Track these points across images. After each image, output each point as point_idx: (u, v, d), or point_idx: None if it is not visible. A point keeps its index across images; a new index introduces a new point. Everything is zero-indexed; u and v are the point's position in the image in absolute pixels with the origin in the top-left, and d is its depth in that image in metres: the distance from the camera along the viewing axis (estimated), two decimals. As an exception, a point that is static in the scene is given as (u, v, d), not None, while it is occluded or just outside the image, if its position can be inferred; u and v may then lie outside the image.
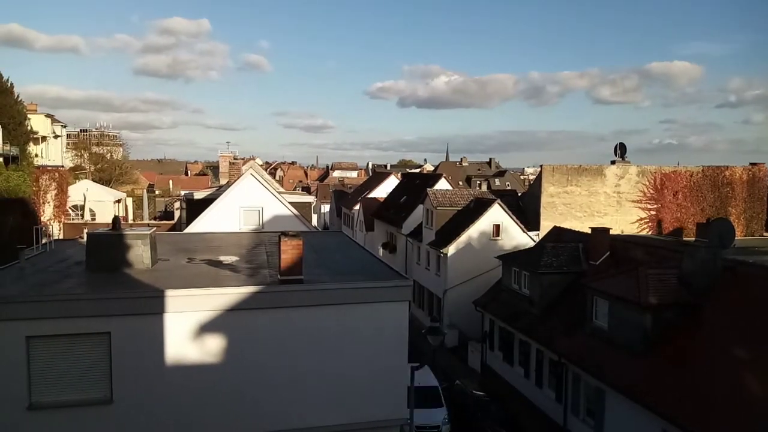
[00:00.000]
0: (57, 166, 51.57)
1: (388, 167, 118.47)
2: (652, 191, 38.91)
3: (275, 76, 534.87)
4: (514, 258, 26.78)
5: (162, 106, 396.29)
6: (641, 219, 38.84)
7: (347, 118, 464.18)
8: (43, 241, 18.48)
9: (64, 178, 44.53)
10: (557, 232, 28.94)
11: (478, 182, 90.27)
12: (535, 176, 55.92)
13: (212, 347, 12.92)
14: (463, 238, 32.98)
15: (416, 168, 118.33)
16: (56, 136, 63.70)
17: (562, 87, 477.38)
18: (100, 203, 47.67)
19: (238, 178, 32.47)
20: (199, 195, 35.02)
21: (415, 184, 47.41)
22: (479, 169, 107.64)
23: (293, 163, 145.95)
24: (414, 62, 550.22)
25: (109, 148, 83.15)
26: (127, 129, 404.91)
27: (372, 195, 54.66)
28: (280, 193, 32.52)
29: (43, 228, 20.99)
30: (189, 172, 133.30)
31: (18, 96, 49.09)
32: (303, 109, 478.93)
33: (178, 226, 37.06)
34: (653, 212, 39.00)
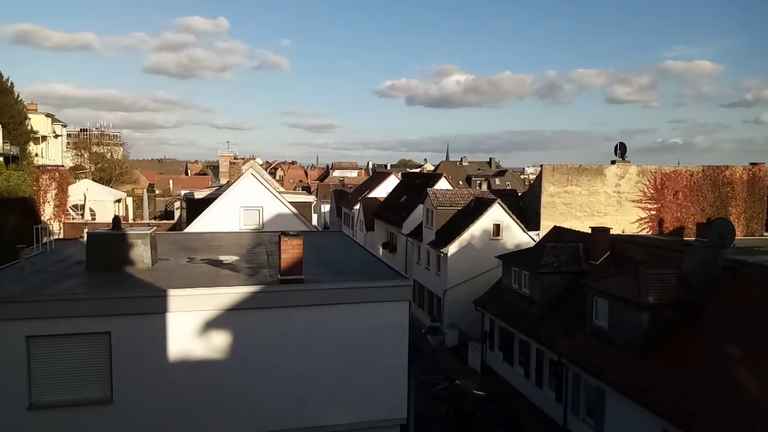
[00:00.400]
0: (57, 166, 51.54)
1: (389, 167, 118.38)
2: (652, 191, 38.91)
3: (286, 75, 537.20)
4: (514, 258, 26.78)
5: (172, 106, 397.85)
6: (641, 219, 38.84)
7: (352, 117, 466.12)
8: (45, 240, 18.50)
9: (65, 177, 44.49)
10: (557, 232, 28.94)
11: (479, 182, 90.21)
12: (535, 176, 55.90)
13: (212, 347, 12.92)
14: (463, 237, 32.98)
15: (416, 168, 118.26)
16: (56, 136, 63.77)
17: (575, 86, 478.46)
18: (100, 203, 47.61)
19: (239, 177, 32.48)
20: (199, 195, 35.03)
21: (416, 184, 47.42)
22: (479, 169, 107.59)
23: (293, 162, 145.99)
24: (427, 61, 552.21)
25: (109, 147, 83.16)
26: (132, 128, 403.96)
27: (372, 195, 54.68)
28: (280, 192, 32.53)
29: (45, 227, 20.98)
30: (189, 171, 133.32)
31: (18, 95, 49.17)
32: (310, 108, 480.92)
33: (179, 226, 37.05)
34: (653, 212, 39.00)
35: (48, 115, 60.32)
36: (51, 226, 34.60)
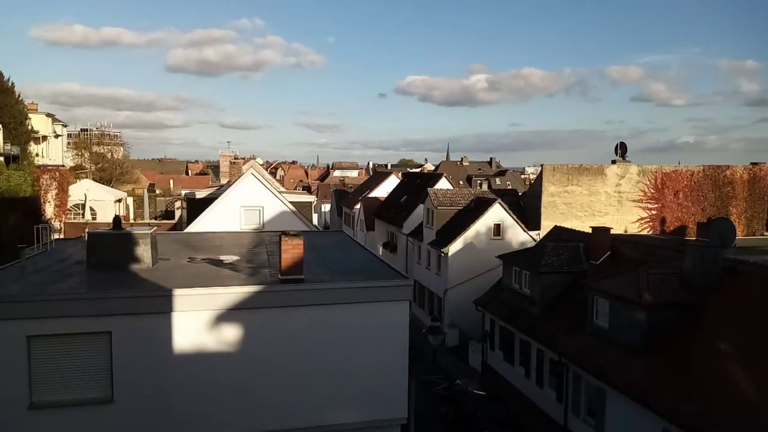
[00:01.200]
0: (58, 166, 51.60)
1: (389, 167, 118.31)
2: (652, 191, 38.89)
3: (309, 74, 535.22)
4: (514, 257, 26.77)
5: (190, 105, 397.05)
6: (642, 219, 38.82)
7: (364, 116, 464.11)
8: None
9: (65, 177, 44.55)
10: (558, 232, 28.93)
11: (479, 182, 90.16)
12: (535, 176, 55.88)
13: (212, 346, 12.92)
14: (463, 237, 32.98)
15: (417, 167, 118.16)
16: (57, 136, 63.85)
17: (606, 82, 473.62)
18: (100, 202, 47.63)
19: (239, 177, 32.49)
20: (200, 194, 35.04)
21: (416, 184, 47.41)
22: (480, 169, 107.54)
23: (294, 162, 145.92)
24: (450, 59, 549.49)
25: (109, 147, 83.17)
26: (143, 128, 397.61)
27: (373, 194, 54.65)
28: (280, 192, 32.54)
29: (48, 226, 20.99)
30: (190, 171, 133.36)
31: (19, 95, 49.24)
32: (325, 108, 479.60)
33: (179, 226, 37.08)
34: (654, 212, 38.99)
35: (48, 115, 60.39)
36: (54, 225, 34.67)
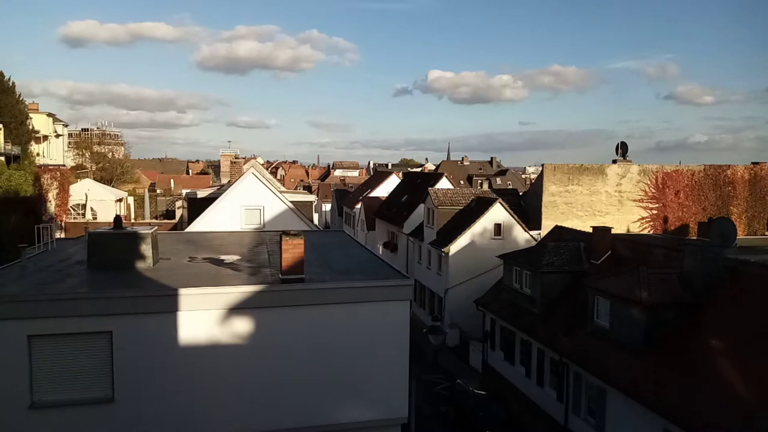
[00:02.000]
0: (58, 165, 51.65)
1: (389, 166, 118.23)
2: (653, 190, 38.87)
3: (331, 74, 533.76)
4: (515, 257, 26.76)
5: (208, 103, 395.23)
6: (643, 218, 38.81)
7: (372, 116, 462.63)
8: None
9: (66, 177, 44.61)
10: (558, 231, 28.92)
11: (480, 181, 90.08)
12: (536, 175, 55.85)
13: (212, 346, 12.92)
14: (464, 237, 32.97)
15: (417, 167, 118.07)
16: (58, 136, 63.88)
17: (624, 80, 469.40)
18: (101, 202, 47.72)
19: (240, 177, 32.50)
20: (200, 194, 35.06)
21: (417, 183, 47.42)
22: (480, 168, 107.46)
23: (294, 162, 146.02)
24: (474, 56, 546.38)
25: (110, 147, 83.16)
26: (151, 126, 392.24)
27: (373, 194, 54.66)
28: (281, 192, 32.54)
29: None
30: (191, 171, 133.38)
31: (20, 95, 49.24)
32: (337, 107, 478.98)
33: (180, 225, 37.12)
34: (655, 211, 38.97)
35: (49, 115, 60.43)
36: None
